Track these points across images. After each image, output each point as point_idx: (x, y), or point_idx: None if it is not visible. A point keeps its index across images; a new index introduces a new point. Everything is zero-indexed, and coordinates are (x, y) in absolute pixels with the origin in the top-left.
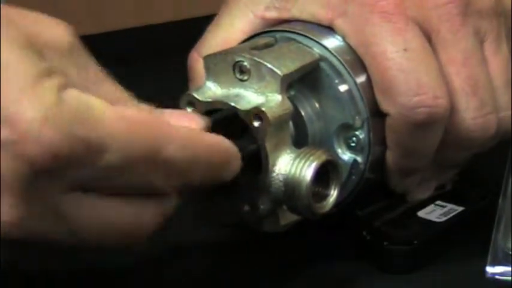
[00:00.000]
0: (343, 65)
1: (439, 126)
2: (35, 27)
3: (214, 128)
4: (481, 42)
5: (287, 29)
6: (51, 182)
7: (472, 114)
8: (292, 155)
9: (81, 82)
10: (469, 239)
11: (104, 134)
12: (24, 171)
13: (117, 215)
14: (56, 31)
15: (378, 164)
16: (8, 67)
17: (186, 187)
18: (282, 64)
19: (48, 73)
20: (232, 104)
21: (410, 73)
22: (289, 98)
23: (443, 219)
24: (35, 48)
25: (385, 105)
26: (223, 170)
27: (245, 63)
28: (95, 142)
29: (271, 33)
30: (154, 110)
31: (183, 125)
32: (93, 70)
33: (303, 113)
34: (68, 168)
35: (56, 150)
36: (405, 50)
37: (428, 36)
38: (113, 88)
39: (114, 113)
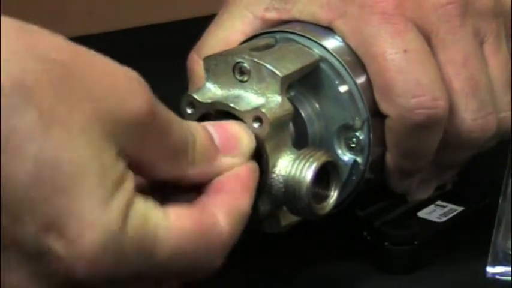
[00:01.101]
0: (343, 65)
1: (439, 127)
2: (108, 101)
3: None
4: (480, 43)
5: (287, 30)
6: None
7: (471, 115)
8: (292, 156)
9: (151, 155)
10: (469, 239)
11: (161, 264)
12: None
13: None
14: (133, 103)
15: (378, 164)
16: (81, 167)
17: None
18: (282, 65)
19: (121, 180)
20: (232, 105)
21: (409, 74)
22: (289, 99)
23: (444, 219)
24: (110, 132)
25: (384, 107)
26: None
27: (245, 64)
28: (148, 273)
29: (271, 34)
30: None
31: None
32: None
33: (303, 114)
34: None
35: (106, 279)
36: (405, 51)
37: (427, 37)
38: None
39: (175, 235)
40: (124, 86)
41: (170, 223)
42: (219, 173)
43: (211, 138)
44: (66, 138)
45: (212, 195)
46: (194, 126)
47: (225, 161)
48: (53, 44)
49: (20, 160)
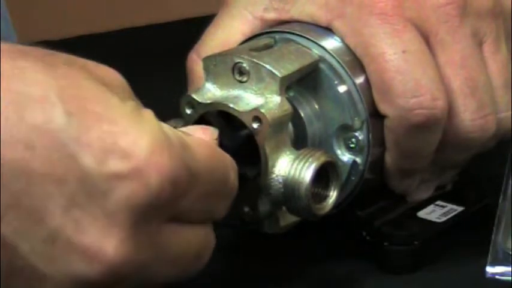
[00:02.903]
0: (342, 66)
1: (438, 127)
2: (98, 71)
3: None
4: (479, 43)
5: (286, 30)
6: (158, 213)
7: (471, 116)
8: (292, 156)
9: None
10: (469, 239)
11: (199, 162)
12: (143, 203)
13: (197, 238)
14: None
15: (377, 164)
16: (100, 101)
17: None
18: (281, 65)
19: (139, 105)
20: (232, 105)
21: (408, 75)
22: (288, 99)
23: (443, 219)
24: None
25: (383, 107)
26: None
27: (244, 65)
28: (195, 170)
29: (270, 34)
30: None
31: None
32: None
33: (302, 114)
34: (179, 198)
35: (176, 179)
36: (403, 51)
37: (426, 38)
38: None
39: (197, 141)
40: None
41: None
42: None
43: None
44: (82, 78)
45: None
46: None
47: None
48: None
49: (48, 108)
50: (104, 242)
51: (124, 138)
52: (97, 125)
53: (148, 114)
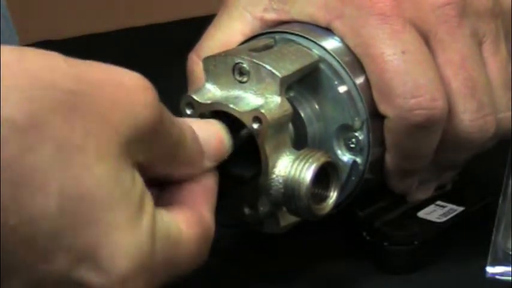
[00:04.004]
0: (342, 66)
1: (437, 128)
2: (120, 119)
3: None
4: (479, 43)
5: (286, 31)
6: None
7: (470, 116)
8: (292, 157)
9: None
10: (469, 239)
11: (183, 269)
12: None
13: None
14: (144, 114)
15: (377, 164)
16: (105, 194)
17: None
18: (281, 66)
19: (143, 198)
20: (232, 105)
21: (407, 75)
22: (288, 99)
23: (443, 219)
24: (125, 149)
25: (383, 107)
26: None
27: (244, 65)
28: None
29: (270, 34)
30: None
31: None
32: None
33: (302, 115)
34: None
35: None
36: (403, 52)
37: (425, 38)
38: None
39: (193, 239)
40: (132, 98)
41: (184, 231)
42: (200, 173)
43: (197, 138)
44: (85, 167)
45: (199, 197)
46: (184, 124)
47: (206, 163)
48: (56, 71)
49: (44, 196)
50: None
51: (105, 249)
52: (85, 229)
53: (147, 219)
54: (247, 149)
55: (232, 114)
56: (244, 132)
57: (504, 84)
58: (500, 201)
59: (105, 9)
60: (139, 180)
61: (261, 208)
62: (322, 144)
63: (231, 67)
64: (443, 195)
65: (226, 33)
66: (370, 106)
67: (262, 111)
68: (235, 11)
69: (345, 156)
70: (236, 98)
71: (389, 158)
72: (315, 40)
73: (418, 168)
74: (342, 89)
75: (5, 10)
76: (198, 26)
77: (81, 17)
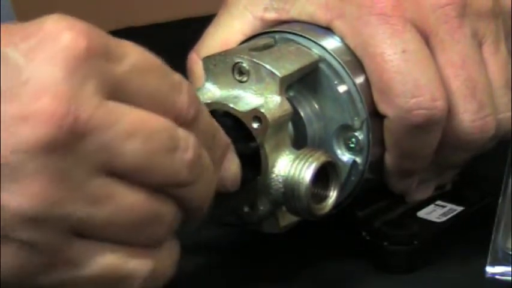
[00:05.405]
0: (342, 66)
1: (437, 128)
2: None
3: None
4: (479, 44)
5: (286, 30)
6: (75, 160)
7: (470, 117)
8: (292, 156)
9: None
10: (469, 239)
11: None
12: None
13: (140, 203)
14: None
15: (377, 164)
16: None
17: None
18: (281, 65)
19: None
20: (231, 105)
21: (408, 75)
22: (288, 99)
23: (443, 219)
24: None
25: (383, 107)
26: None
27: (244, 65)
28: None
29: (270, 34)
30: None
31: None
32: None
33: (302, 114)
34: (89, 134)
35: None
36: (403, 51)
37: (426, 38)
38: None
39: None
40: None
41: None
42: None
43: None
44: None
45: None
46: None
47: None
48: None
49: None
50: None
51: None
52: None
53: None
54: (247, 149)
55: (232, 114)
56: (244, 132)
57: (504, 85)
58: (500, 201)
59: (105, 9)
60: None
61: (261, 208)
62: (321, 144)
63: (231, 66)
64: (443, 195)
65: (227, 33)
66: (369, 106)
67: (262, 110)
68: (235, 10)
69: (345, 156)
70: (236, 97)
71: (389, 158)
72: (315, 40)
73: (418, 168)
74: (342, 88)
75: (10, 10)
76: (198, 26)
77: (81, 17)
